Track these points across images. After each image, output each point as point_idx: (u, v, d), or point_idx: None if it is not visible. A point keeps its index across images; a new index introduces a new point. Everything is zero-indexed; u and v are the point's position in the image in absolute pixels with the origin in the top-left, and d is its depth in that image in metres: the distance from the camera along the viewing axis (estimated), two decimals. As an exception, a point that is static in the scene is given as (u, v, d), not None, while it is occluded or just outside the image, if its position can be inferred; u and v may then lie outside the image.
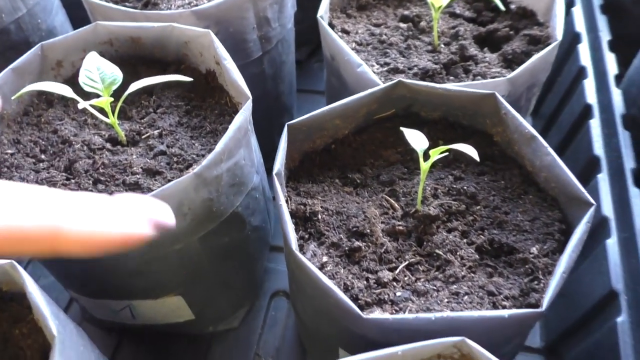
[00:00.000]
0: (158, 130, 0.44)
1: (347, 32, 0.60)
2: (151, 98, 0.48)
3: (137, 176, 0.40)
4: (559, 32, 0.54)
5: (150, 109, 0.47)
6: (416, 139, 0.41)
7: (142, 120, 0.46)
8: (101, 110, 0.42)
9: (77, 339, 0.36)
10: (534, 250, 0.40)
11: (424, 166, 0.41)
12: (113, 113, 0.42)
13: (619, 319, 0.43)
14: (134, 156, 0.42)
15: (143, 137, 0.44)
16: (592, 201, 0.38)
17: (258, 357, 0.57)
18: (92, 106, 0.40)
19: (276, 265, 0.64)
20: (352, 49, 0.55)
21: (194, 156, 0.42)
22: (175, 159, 0.41)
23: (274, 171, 0.41)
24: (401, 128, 0.42)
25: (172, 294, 0.48)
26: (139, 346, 0.58)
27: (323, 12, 0.57)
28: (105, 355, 0.47)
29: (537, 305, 0.36)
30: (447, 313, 0.34)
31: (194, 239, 0.42)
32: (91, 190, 0.40)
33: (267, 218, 0.55)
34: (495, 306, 0.37)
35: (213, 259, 0.46)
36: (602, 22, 0.72)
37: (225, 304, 0.55)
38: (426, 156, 0.41)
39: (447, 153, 0.43)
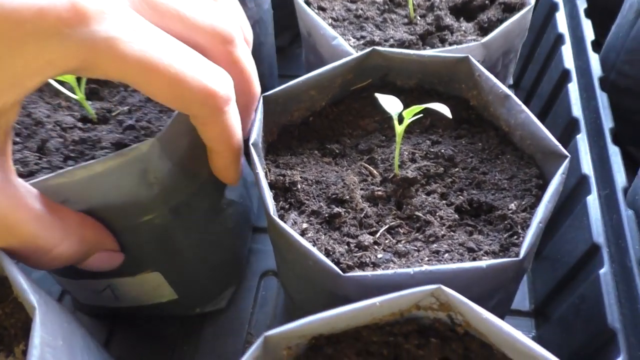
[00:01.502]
0: (128, 107, 0.44)
1: (323, 9, 0.60)
2: None
3: (106, 150, 0.40)
4: (532, -3, 0.55)
5: (121, 88, 0.47)
6: (390, 103, 0.41)
7: (114, 99, 0.46)
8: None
9: (60, 315, 0.36)
10: (512, 206, 0.40)
11: (399, 129, 0.41)
12: (81, 89, 0.42)
13: (602, 271, 0.43)
14: (104, 132, 0.42)
15: (113, 114, 0.44)
16: (566, 153, 0.38)
17: (250, 336, 0.57)
18: (61, 84, 0.40)
19: (265, 247, 0.64)
20: (329, 25, 0.55)
21: (162, 128, 0.42)
22: (143, 132, 0.42)
23: (250, 141, 0.41)
24: (376, 94, 0.42)
25: (149, 270, 0.48)
26: (131, 332, 0.58)
27: (298, -11, 0.57)
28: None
29: (516, 256, 0.36)
30: (425, 267, 0.34)
31: (164, 211, 0.42)
32: (61, 167, 0.40)
33: (245, 195, 0.55)
34: (475, 261, 0.37)
35: (188, 233, 0.46)
36: (578, -11, 0.72)
37: (208, 284, 0.55)
38: (401, 120, 0.41)
39: (423, 117, 0.44)
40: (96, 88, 0.47)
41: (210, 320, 0.58)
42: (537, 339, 0.52)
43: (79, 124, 0.43)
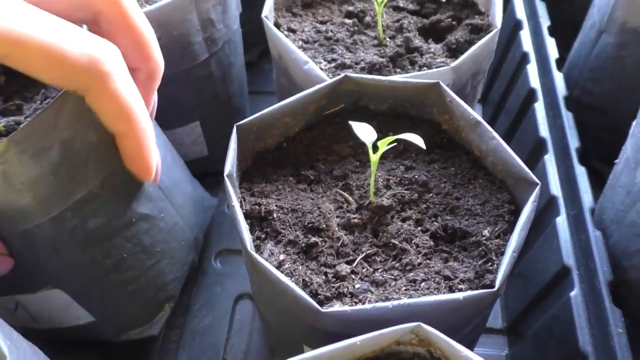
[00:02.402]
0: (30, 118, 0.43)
1: (293, 31, 0.60)
2: (42, 90, 0.47)
3: None
4: (498, 20, 0.56)
5: (38, 102, 0.46)
6: (364, 131, 0.42)
7: (28, 112, 0.45)
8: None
9: (32, 358, 0.35)
10: (485, 232, 0.41)
11: (374, 158, 0.41)
12: None
13: (572, 293, 0.44)
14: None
15: (20, 126, 0.43)
16: (537, 181, 0.39)
17: (226, 362, 0.57)
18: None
19: (238, 269, 0.63)
20: (299, 47, 0.55)
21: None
22: None
23: (225, 173, 0.41)
24: (350, 122, 0.42)
25: (49, 286, 0.46)
26: (103, 361, 0.57)
27: (267, 11, 0.57)
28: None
29: (491, 285, 0.37)
30: (404, 300, 0.34)
31: (43, 220, 0.41)
32: None
33: (169, 209, 0.52)
34: (451, 290, 0.38)
35: (83, 248, 0.44)
36: (541, 8, 0.74)
37: (130, 307, 0.52)
38: (376, 148, 0.41)
39: (396, 144, 0.44)
40: (21, 104, 0.46)
41: (184, 346, 0.58)
42: (510, 357, 0.53)
43: None
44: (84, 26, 0.41)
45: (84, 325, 0.52)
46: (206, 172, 0.71)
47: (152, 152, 0.42)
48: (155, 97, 0.44)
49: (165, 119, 0.60)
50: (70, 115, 0.38)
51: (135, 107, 0.38)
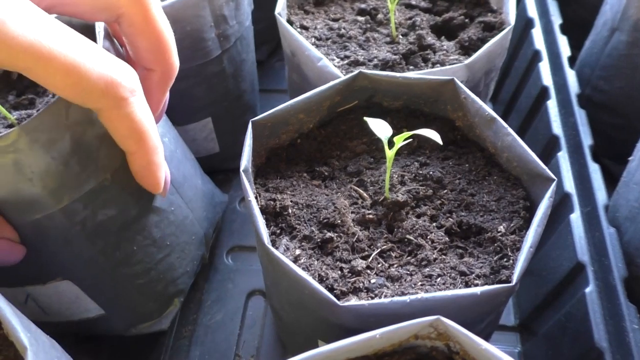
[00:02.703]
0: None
1: (306, 28, 0.61)
2: None
3: None
4: (511, 17, 0.56)
5: (50, 96, 0.47)
6: (380, 127, 0.42)
7: (40, 106, 0.46)
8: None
9: (50, 351, 0.36)
10: (501, 228, 0.41)
11: (390, 154, 0.41)
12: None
13: (587, 290, 0.44)
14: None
15: (32, 118, 0.44)
16: (553, 177, 0.39)
17: (239, 358, 0.57)
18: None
19: (250, 266, 0.64)
20: (312, 44, 0.55)
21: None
22: None
23: (241, 168, 0.41)
24: (365, 118, 0.43)
25: (59, 278, 0.46)
26: (116, 356, 0.57)
27: (281, 8, 0.57)
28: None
29: (507, 281, 0.37)
30: (421, 295, 0.35)
31: (54, 210, 0.41)
32: None
33: (179, 202, 0.52)
34: (467, 285, 0.38)
35: (94, 240, 0.44)
36: (553, 6, 0.74)
37: (139, 301, 0.53)
38: (391, 144, 0.41)
39: (411, 140, 0.44)
40: (34, 98, 0.47)
41: (197, 342, 0.58)
42: (523, 355, 0.53)
43: (2, 130, 0.43)
44: (103, 25, 0.41)
45: (94, 318, 0.52)
46: (216, 169, 0.71)
47: (161, 168, 0.42)
48: (166, 96, 0.44)
49: (178, 115, 0.61)
50: (81, 107, 0.39)
51: (147, 128, 0.38)
